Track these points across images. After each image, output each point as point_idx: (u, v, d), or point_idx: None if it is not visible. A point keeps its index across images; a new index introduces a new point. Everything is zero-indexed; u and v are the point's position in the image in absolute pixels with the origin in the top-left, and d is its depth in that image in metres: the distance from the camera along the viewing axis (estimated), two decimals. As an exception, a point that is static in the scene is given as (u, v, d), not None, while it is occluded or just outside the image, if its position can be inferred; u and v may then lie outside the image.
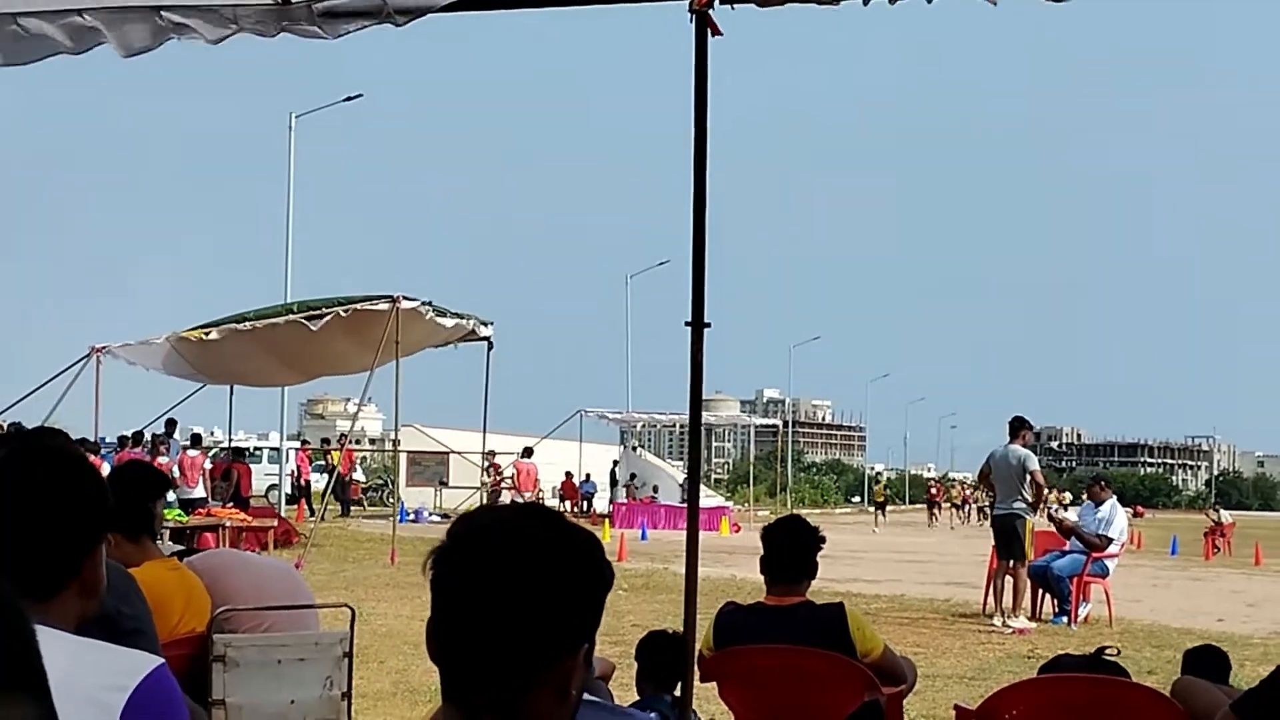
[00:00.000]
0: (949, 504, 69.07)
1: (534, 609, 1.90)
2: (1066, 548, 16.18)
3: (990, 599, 15.89)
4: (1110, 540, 16.12)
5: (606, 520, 38.72)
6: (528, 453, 31.17)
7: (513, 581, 1.90)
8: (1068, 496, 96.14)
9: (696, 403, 5.97)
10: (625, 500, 46.01)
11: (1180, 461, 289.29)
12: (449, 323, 24.06)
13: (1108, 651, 5.33)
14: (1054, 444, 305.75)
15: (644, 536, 34.36)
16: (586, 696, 2.04)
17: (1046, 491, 16.84)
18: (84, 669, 2.10)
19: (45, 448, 2.44)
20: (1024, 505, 15.63)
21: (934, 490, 71.24)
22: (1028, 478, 15.58)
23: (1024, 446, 15.89)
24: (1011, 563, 15.57)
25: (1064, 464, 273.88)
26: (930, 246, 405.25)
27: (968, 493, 76.06)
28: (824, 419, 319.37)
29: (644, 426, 59.06)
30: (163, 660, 2.22)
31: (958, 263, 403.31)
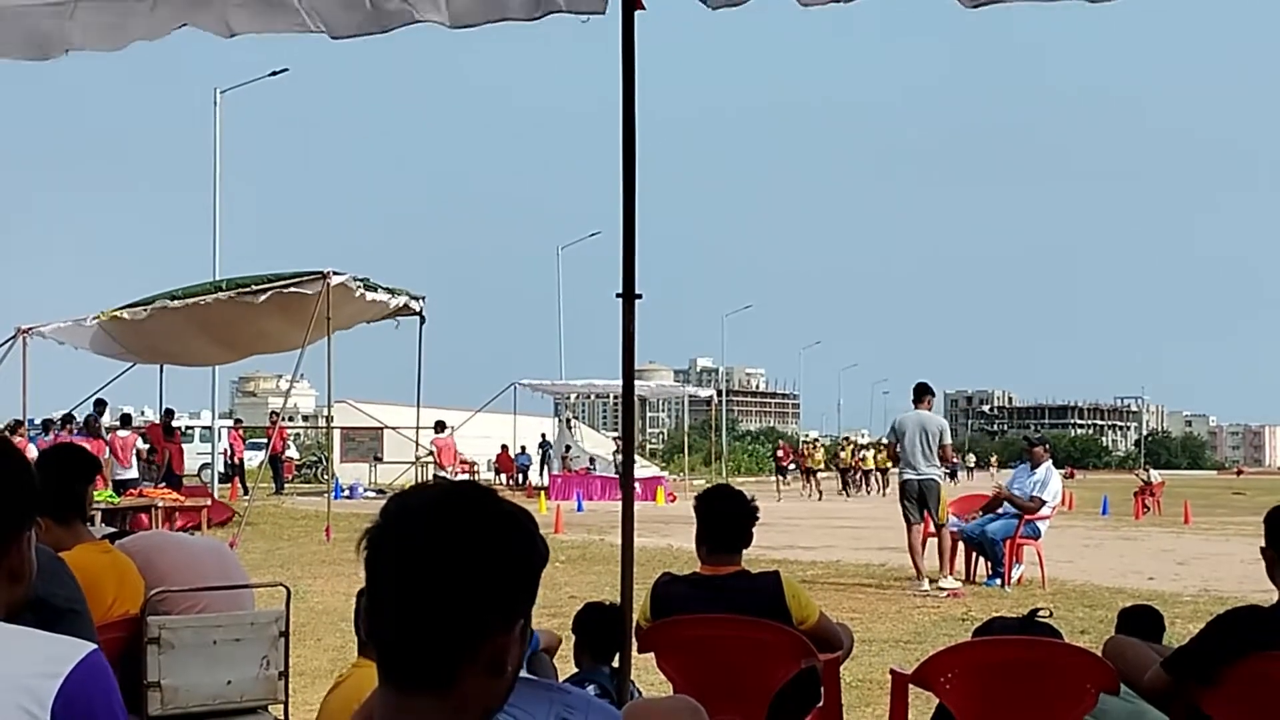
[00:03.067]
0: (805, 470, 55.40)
1: (466, 587, 1.90)
2: (1000, 511, 16.29)
3: (920, 563, 16.03)
4: (1044, 502, 16.26)
5: (542, 492, 38.70)
6: (441, 427, 31.06)
7: (444, 560, 1.90)
8: (971, 458, 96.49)
9: (629, 374, 5.97)
10: (561, 472, 46.00)
11: (1110, 423, 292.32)
12: (380, 298, 23.94)
13: (1040, 613, 5.37)
14: (985, 407, 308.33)
15: (580, 508, 34.37)
16: (523, 674, 2.04)
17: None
18: (13, 657, 2.07)
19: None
20: (938, 470, 16.02)
21: (781, 454, 60.12)
22: (939, 443, 15.88)
23: (929, 411, 16.24)
24: (935, 526, 15.83)
25: (995, 427, 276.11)
26: (858, 214, 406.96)
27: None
28: (758, 387, 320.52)
29: (578, 397, 59.03)
30: (96, 646, 2.20)
31: (886, 231, 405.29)
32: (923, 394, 16.33)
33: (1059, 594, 15.26)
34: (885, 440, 16.89)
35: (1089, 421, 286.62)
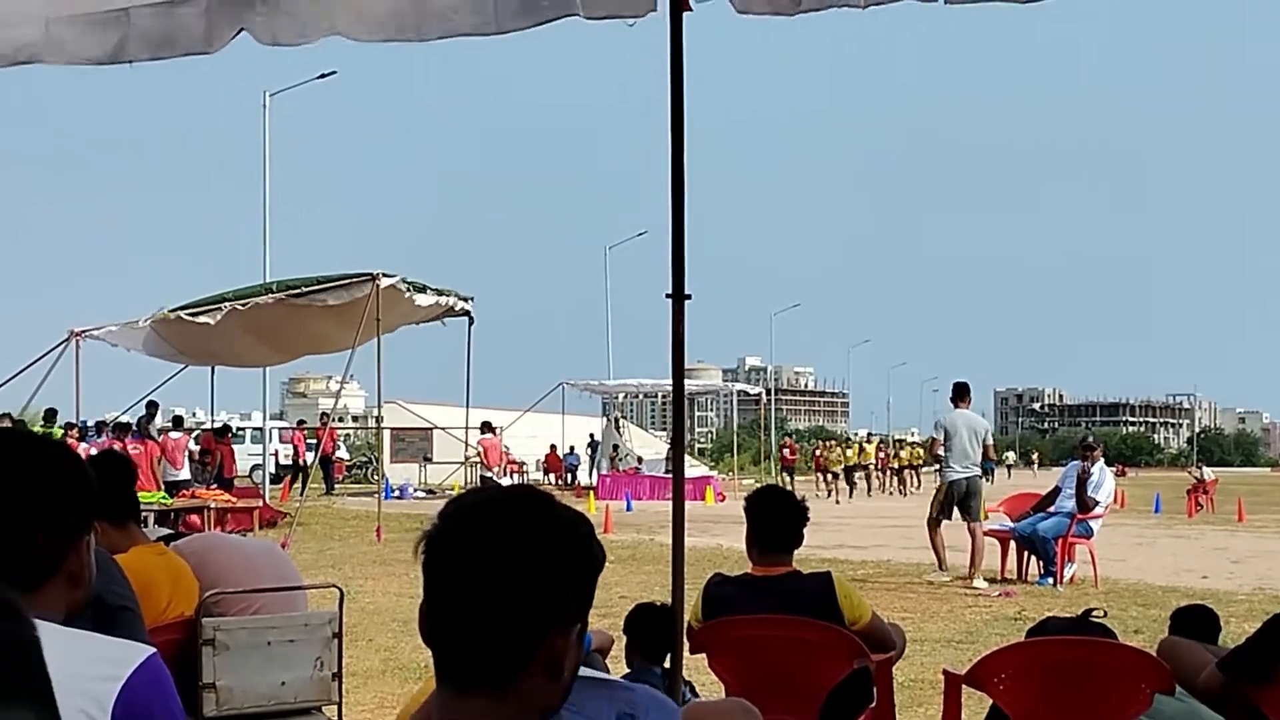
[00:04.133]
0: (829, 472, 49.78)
1: (523, 591, 1.91)
2: (1051, 510, 16.22)
3: (943, 553, 16.33)
4: (1097, 502, 16.17)
5: (591, 492, 38.73)
6: (487, 428, 31.19)
7: (501, 564, 1.91)
8: (1010, 456, 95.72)
9: (679, 375, 5.97)
10: (609, 472, 46.02)
11: (1162, 420, 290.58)
12: (428, 299, 24.03)
13: (1094, 613, 5.34)
14: (1036, 405, 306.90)
15: (629, 508, 34.38)
16: (585, 672, 2.05)
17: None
18: (75, 660, 2.09)
19: (28, 438, 2.44)
20: (979, 469, 16.47)
21: (788, 452, 53.29)
22: (983, 441, 16.40)
23: (969, 410, 16.65)
24: (971, 523, 16.02)
25: (1046, 425, 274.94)
26: (907, 212, 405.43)
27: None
28: (807, 386, 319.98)
29: (626, 397, 58.99)
30: (154, 649, 2.22)
31: (936, 228, 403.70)
32: (964, 393, 16.63)
33: (1112, 593, 15.18)
34: (933, 438, 16.96)
35: (1140, 419, 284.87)
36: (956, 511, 16.11)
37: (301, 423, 48.38)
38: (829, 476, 48.18)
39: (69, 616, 2.35)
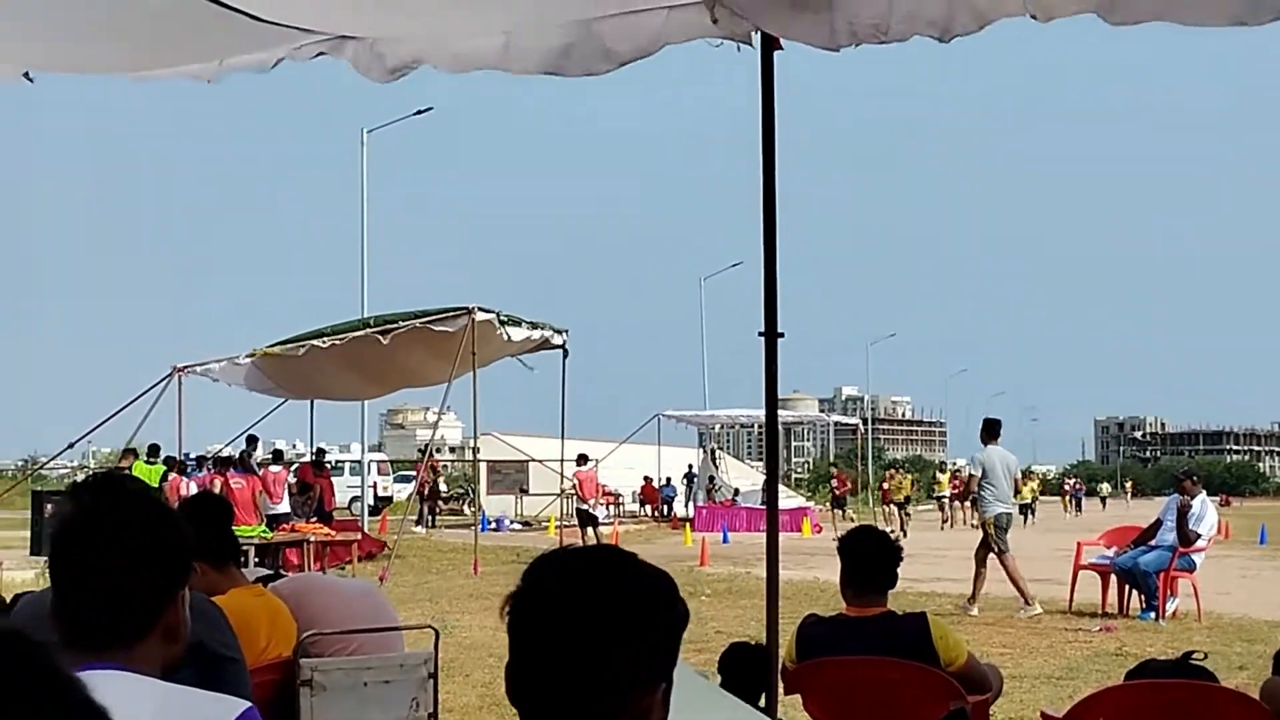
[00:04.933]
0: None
1: (609, 650, 1.92)
2: (1153, 543, 16.01)
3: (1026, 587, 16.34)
4: (1199, 535, 15.94)
5: (687, 524, 38.66)
6: (583, 460, 31.26)
7: (587, 624, 1.92)
8: (1104, 487, 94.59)
9: (773, 412, 5.99)
10: (705, 503, 45.92)
11: (1267, 448, 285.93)
12: (523, 333, 24.13)
13: (1195, 655, 5.26)
14: (1137, 434, 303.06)
15: (725, 540, 34.32)
16: None
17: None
18: (172, 717, 2.13)
19: (127, 495, 2.48)
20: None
21: (837, 484, 51.97)
22: (1014, 476, 17.15)
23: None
24: (1005, 555, 16.38)
25: (1148, 454, 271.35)
26: (1007, 241, 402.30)
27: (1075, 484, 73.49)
28: (903, 415, 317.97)
29: (722, 428, 58.91)
30: (250, 704, 2.26)
31: (1035, 257, 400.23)
32: (996, 430, 17.06)
33: (1215, 628, 14.94)
34: (971, 475, 17.22)
35: (1245, 447, 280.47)
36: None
37: (426, 453, 48.29)
38: (891, 507, 47.15)
39: (166, 670, 2.39)
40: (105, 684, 2.21)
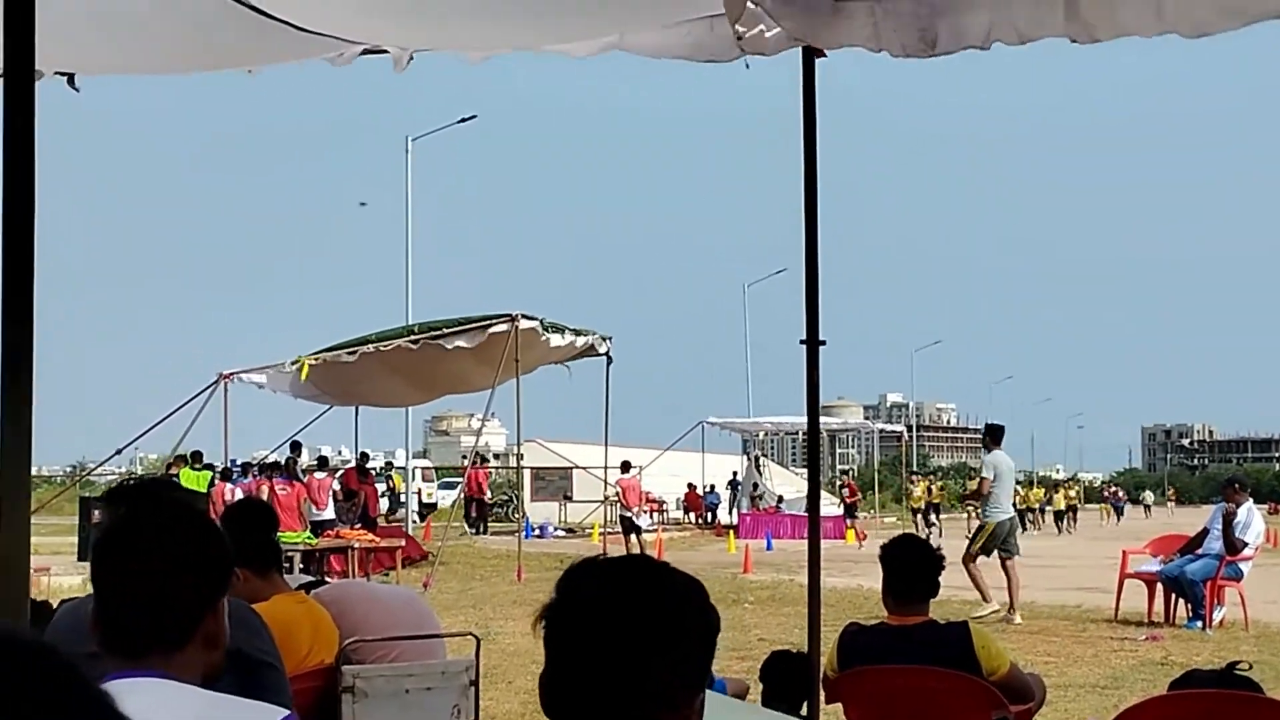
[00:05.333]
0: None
1: (648, 662, 1.92)
2: (1199, 552, 15.90)
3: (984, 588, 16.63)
4: (1245, 544, 15.82)
5: (731, 531, 38.61)
6: (626, 467, 31.31)
7: (625, 636, 1.92)
8: (1148, 495, 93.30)
9: (814, 419, 5.98)
10: (749, 511, 45.86)
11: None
12: (567, 339, 24.19)
13: (1240, 666, 5.22)
14: (1185, 441, 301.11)
15: (769, 547, 34.25)
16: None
17: None
18: (211, 724, 2.14)
19: (167, 505, 2.50)
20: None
21: (848, 492, 50.29)
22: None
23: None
24: (1009, 560, 16.82)
25: (1195, 461, 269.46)
26: (1053, 247, 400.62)
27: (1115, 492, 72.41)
28: (949, 422, 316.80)
29: (766, 435, 58.79)
30: (290, 711, 2.27)
31: (1082, 263, 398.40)
32: (1000, 435, 17.28)
33: (1263, 637, 14.82)
34: (982, 478, 17.21)
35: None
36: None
37: (484, 461, 48.22)
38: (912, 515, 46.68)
39: (207, 678, 2.41)
40: (146, 691, 2.24)
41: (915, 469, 71.51)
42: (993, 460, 16.85)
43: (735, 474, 52.21)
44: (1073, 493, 60.04)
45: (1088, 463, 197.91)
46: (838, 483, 59.38)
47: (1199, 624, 15.37)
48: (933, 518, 46.58)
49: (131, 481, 5.03)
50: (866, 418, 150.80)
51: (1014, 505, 17.01)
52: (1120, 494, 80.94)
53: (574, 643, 1.95)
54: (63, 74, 5.55)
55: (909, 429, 74.97)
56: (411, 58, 5.36)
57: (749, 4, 4.67)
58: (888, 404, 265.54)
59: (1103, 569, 15.89)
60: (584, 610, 1.95)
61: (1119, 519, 67.09)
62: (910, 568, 5.59)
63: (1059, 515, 55.25)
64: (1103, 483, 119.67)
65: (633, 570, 2.01)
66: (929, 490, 50.15)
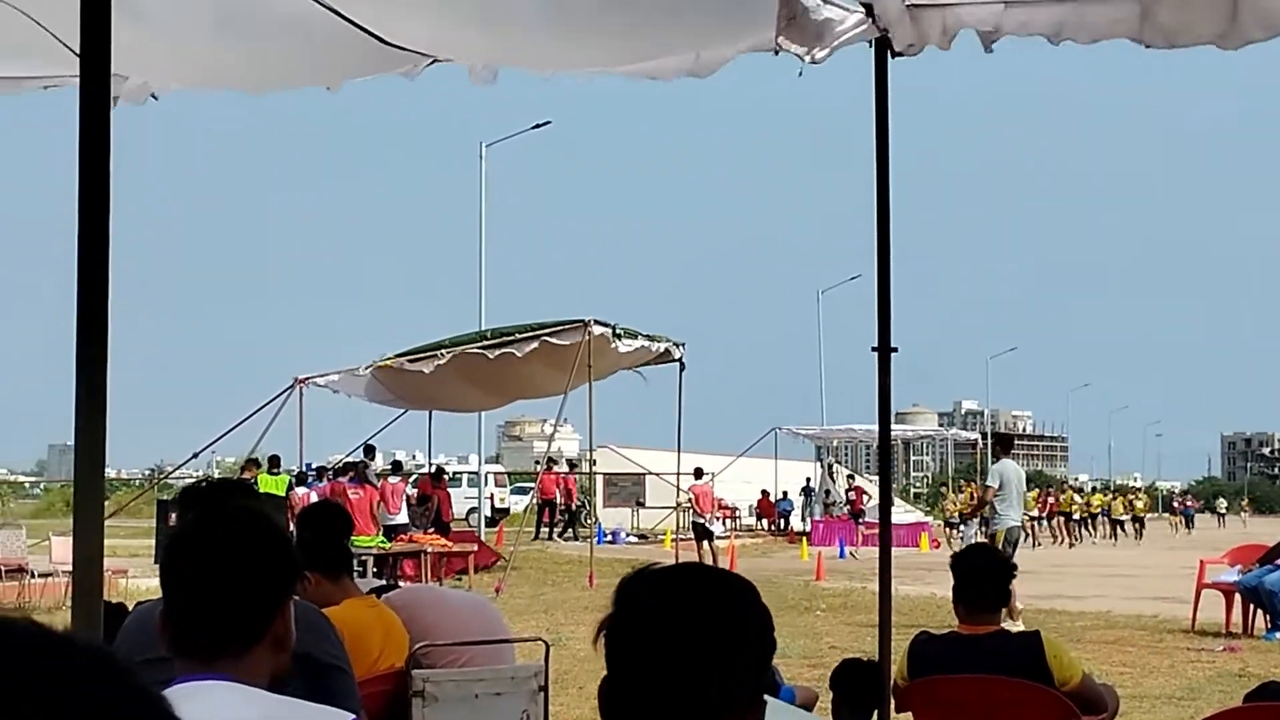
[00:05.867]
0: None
1: (713, 671, 1.91)
2: (1279, 562, 15.70)
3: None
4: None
5: (804, 538, 38.50)
6: (699, 474, 31.27)
7: (689, 645, 1.91)
8: (1221, 503, 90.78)
9: (885, 427, 5.97)
10: (822, 518, 45.71)
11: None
12: (639, 345, 24.19)
13: (1317, 679, 5.16)
14: (1265, 450, 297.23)
15: (842, 554, 34.14)
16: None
17: None
18: (277, 727, 2.16)
19: (234, 511, 2.53)
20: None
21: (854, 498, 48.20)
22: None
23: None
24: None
25: (1276, 470, 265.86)
26: (1131, 252, 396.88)
27: (1185, 500, 70.50)
28: (1024, 430, 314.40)
29: (840, 442, 58.62)
30: (356, 715, 2.28)
31: (1160, 268, 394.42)
32: (1009, 444, 18.11)
33: (1344, 649, 14.62)
34: (986, 486, 17.49)
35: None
36: None
37: (573, 465, 48.16)
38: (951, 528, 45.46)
39: (274, 680, 2.43)
40: (214, 693, 2.26)
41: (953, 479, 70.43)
42: (999, 469, 16.88)
43: (808, 480, 52.07)
44: (1140, 502, 58.15)
45: (1166, 471, 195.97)
46: (912, 490, 58.98)
47: (1277, 635, 15.18)
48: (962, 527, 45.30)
49: (204, 484, 5.08)
50: (941, 425, 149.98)
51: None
52: (1190, 503, 78.27)
53: (633, 653, 1.94)
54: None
55: (984, 436, 74.45)
56: (490, 70, 5.37)
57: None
58: (963, 411, 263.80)
59: (1180, 579, 15.70)
60: (642, 621, 1.95)
61: (1189, 528, 65.35)
62: (981, 576, 5.56)
63: (1117, 524, 53.55)
64: (1179, 492, 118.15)
65: (689, 579, 2.00)
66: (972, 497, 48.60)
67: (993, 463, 17.72)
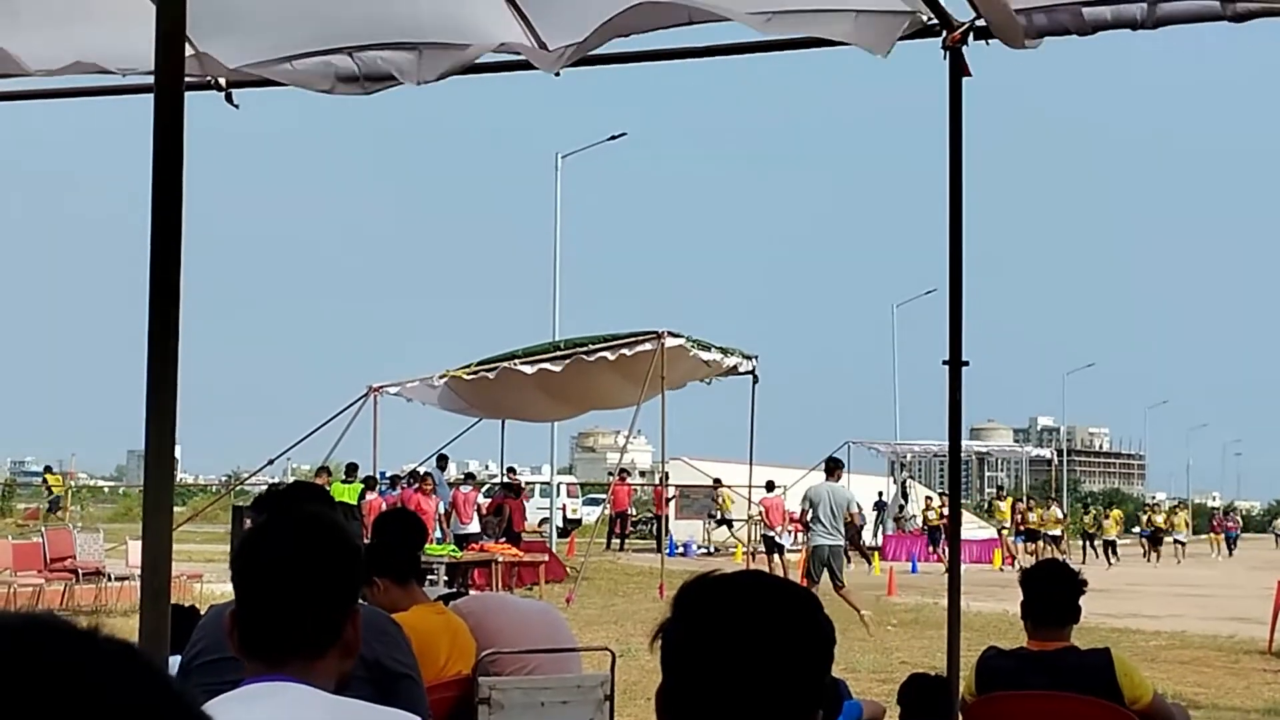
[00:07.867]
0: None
1: (762, 682, 1.90)
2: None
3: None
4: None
5: (876, 553, 38.33)
6: (770, 487, 31.17)
7: (738, 658, 1.90)
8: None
9: (956, 441, 5.94)
10: (894, 533, 45.49)
11: None
12: (713, 357, 24.21)
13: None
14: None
15: (914, 569, 33.95)
16: None
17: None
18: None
19: (304, 518, 2.55)
20: (843, 536, 18.87)
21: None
22: (845, 512, 18.76)
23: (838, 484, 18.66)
24: (837, 586, 17.52)
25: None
26: (1212, 267, 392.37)
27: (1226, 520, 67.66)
28: (1101, 447, 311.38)
29: (914, 457, 58.30)
30: (418, 719, 2.29)
31: (1240, 284, 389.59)
32: (836, 467, 18.87)
33: None
34: (802, 509, 19.00)
35: None
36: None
37: (665, 476, 47.76)
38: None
39: (339, 686, 2.45)
40: (281, 694, 2.29)
41: (999, 492, 69.28)
42: (811, 492, 18.30)
43: (880, 495, 51.85)
44: (1178, 519, 55.12)
45: (1245, 490, 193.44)
46: (985, 506, 58.27)
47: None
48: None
49: (280, 488, 5.13)
50: (1016, 441, 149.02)
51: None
52: (1236, 523, 71.20)
53: (690, 660, 1.94)
54: (219, 87, 5.67)
55: (1059, 453, 73.82)
56: (565, 57, 5.28)
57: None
58: (1038, 427, 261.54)
59: (1260, 598, 15.50)
60: (700, 628, 1.94)
61: (1230, 551, 58.90)
62: (1050, 592, 5.51)
63: (1153, 538, 50.42)
64: (1261, 512, 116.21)
65: (747, 587, 1.99)
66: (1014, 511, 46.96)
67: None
